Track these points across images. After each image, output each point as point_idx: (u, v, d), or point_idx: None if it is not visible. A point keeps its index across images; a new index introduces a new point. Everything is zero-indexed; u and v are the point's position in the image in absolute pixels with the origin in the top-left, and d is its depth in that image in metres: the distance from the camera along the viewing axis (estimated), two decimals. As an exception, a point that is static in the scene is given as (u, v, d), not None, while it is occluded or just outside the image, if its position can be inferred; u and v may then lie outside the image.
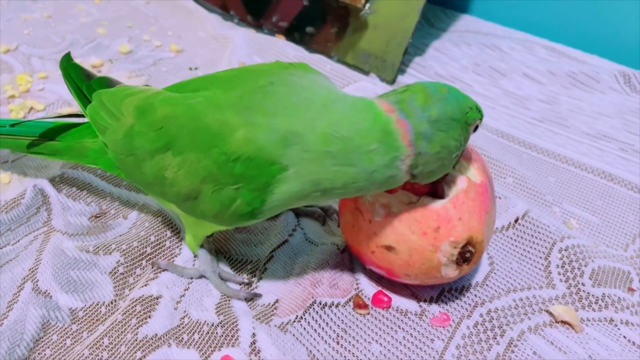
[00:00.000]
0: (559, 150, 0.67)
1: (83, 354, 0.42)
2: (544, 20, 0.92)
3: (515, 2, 0.94)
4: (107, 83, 0.50)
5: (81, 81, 0.51)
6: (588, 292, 0.48)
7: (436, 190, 0.44)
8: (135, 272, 0.49)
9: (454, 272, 0.42)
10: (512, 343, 0.45)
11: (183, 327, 0.45)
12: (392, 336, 0.45)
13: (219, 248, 0.52)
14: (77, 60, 0.55)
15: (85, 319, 0.46)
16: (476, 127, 0.41)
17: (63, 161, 0.59)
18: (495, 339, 0.45)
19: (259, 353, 0.43)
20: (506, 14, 0.95)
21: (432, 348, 0.44)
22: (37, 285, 0.47)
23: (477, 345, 0.44)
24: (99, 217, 0.55)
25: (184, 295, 0.48)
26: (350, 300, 0.47)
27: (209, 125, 0.39)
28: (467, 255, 0.42)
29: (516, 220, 0.55)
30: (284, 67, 0.43)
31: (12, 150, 0.56)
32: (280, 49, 0.83)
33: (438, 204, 0.42)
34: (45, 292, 0.47)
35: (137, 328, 0.44)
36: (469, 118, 0.39)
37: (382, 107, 0.38)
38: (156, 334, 0.43)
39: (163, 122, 0.41)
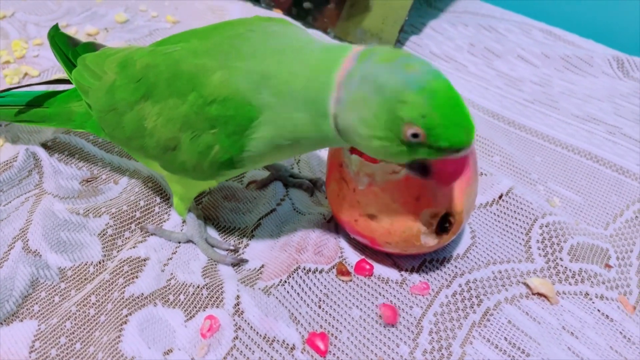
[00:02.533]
0: (547, 131, 0.68)
1: (70, 311, 0.44)
2: (541, 4, 0.92)
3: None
4: (93, 48, 0.51)
5: (67, 48, 0.52)
6: (565, 267, 0.50)
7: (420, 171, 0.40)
8: (123, 235, 0.50)
9: (433, 241, 0.44)
10: (488, 312, 0.46)
11: (169, 288, 0.46)
12: (372, 302, 0.46)
13: (207, 215, 0.53)
14: (72, 28, 0.56)
15: (74, 278, 0.47)
16: (417, 138, 0.33)
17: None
18: (472, 308, 0.46)
19: (242, 314, 0.44)
20: (504, -4, 0.95)
21: (410, 314, 0.46)
22: (27, 244, 0.48)
23: (454, 314, 0.46)
24: (90, 181, 0.56)
25: (171, 259, 0.49)
26: (333, 268, 0.49)
27: (186, 71, 0.39)
28: (446, 225, 0.43)
29: (500, 197, 0.56)
30: (264, 19, 0.42)
31: (1, 119, 0.56)
32: (276, 24, 0.83)
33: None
34: (35, 252, 0.48)
35: (124, 287, 0.45)
36: (398, 108, 0.32)
37: (349, 53, 0.35)
38: (142, 294, 0.45)
39: (142, 72, 0.42)
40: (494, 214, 0.55)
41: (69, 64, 0.51)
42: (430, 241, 0.43)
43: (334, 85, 0.34)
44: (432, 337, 0.44)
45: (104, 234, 0.50)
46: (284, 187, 0.56)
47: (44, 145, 0.58)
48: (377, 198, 0.43)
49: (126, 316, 0.43)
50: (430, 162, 0.36)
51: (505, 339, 0.44)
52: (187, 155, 0.40)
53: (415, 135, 0.33)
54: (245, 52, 0.38)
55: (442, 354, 0.43)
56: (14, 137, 0.61)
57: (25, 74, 0.70)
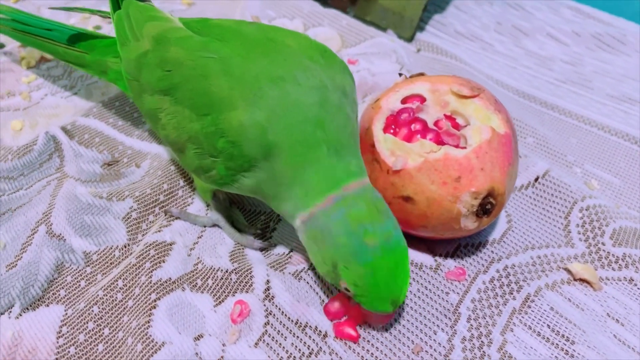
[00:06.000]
0: (581, 111, 0.65)
1: (97, 295, 0.42)
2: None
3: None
4: None
5: None
6: (608, 252, 0.47)
7: None
8: (148, 219, 0.49)
9: (473, 224, 0.42)
10: (528, 298, 0.44)
11: (197, 273, 0.44)
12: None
13: (232, 199, 0.52)
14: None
15: (100, 262, 0.45)
16: (349, 292, 0.37)
17: (75, 106, 0.59)
18: (512, 294, 0.44)
19: (272, 299, 0.43)
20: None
21: (446, 301, 0.44)
22: (50, 228, 0.47)
23: (492, 300, 0.44)
24: (111, 164, 0.55)
25: (197, 243, 0.47)
26: (364, 253, 0.47)
27: (212, 92, 0.37)
28: (487, 207, 0.41)
29: (536, 179, 0.54)
30: (310, 54, 0.39)
31: (49, 53, 0.58)
32: (294, 4, 0.81)
33: (460, 154, 0.40)
34: (59, 236, 0.46)
35: (151, 271, 0.44)
36: (340, 268, 0.36)
37: (336, 191, 0.37)
38: (170, 278, 0.43)
39: (172, 65, 0.40)
40: (530, 197, 0.53)
41: (115, 2, 0.49)
42: (469, 224, 0.41)
43: (307, 210, 0.37)
44: (471, 324, 0.42)
45: (128, 218, 0.48)
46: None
47: (64, 129, 0.57)
48: (413, 179, 0.41)
49: (155, 301, 0.41)
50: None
51: (548, 326, 0.42)
52: (190, 161, 0.41)
53: (347, 290, 0.37)
54: (273, 107, 0.36)
55: (482, 341, 0.41)
56: (33, 121, 0.60)
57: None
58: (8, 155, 0.53)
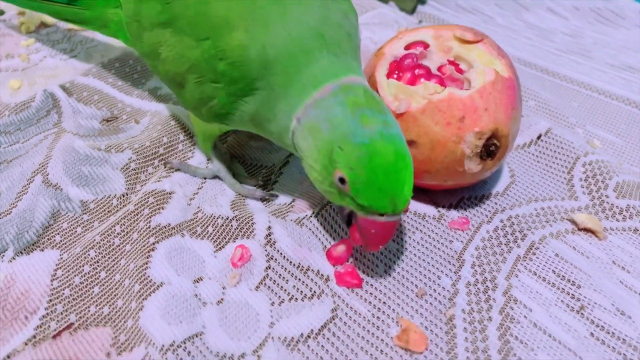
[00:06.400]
0: (582, 78, 0.65)
1: (94, 240, 0.42)
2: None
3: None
4: None
5: None
6: (612, 204, 0.47)
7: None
8: (147, 170, 0.48)
9: (477, 167, 0.41)
10: (533, 246, 0.43)
11: (196, 221, 0.44)
12: (409, 237, 0.44)
13: (233, 153, 0.51)
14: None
15: (97, 210, 0.45)
16: (344, 185, 0.33)
17: (75, 67, 0.58)
18: (516, 242, 0.44)
19: (274, 244, 0.42)
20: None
21: (450, 248, 0.43)
22: (47, 178, 0.46)
23: (497, 248, 0.43)
24: (110, 121, 0.54)
25: (197, 193, 0.47)
26: (366, 204, 0.46)
27: (211, 15, 0.36)
28: (491, 148, 0.40)
29: (539, 137, 0.53)
30: None
31: (48, 14, 0.58)
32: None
33: (464, 94, 0.40)
34: (55, 185, 0.46)
35: (150, 217, 0.43)
36: (335, 152, 0.33)
37: (333, 81, 0.35)
38: (169, 224, 0.43)
39: None
40: (533, 154, 0.52)
41: None
42: (474, 167, 0.41)
43: (302, 105, 0.35)
44: (475, 270, 0.41)
45: (126, 168, 0.47)
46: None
47: (62, 87, 0.56)
48: (417, 121, 0.41)
49: (153, 244, 0.41)
50: (356, 216, 0.36)
51: (553, 271, 0.42)
52: (190, 95, 0.40)
53: (342, 181, 0.33)
54: (274, 24, 0.35)
55: (486, 285, 0.40)
56: (31, 81, 0.59)
57: None
58: (5, 111, 0.53)
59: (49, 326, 0.37)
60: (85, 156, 0.48)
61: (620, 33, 0.75)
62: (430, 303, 0.39)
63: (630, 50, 0.71)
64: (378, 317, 0.38)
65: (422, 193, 0.47)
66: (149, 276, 0.38)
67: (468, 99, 0.40)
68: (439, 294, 0.40)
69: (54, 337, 0.36)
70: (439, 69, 0.43)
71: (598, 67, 0.67)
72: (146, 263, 0.39)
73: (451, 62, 0.43)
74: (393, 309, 0.39)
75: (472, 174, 0.42)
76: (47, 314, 0.37)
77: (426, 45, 0.44)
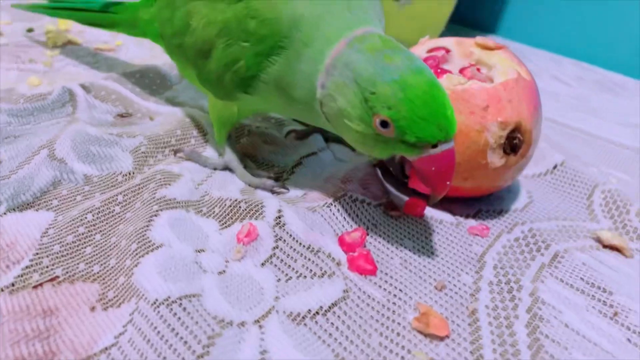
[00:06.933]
0: (592, 131, 0.66)
1: (94, 205, 0.39)
2: (571, 41, 0.95)
3: (542, 23, 0.97)
4: None
5: None
6: (636, 227, 0.45)
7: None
8: (156, 156, 0.47)
9: (500, 161, 0.40)
10: (557, 255, 0.41)
11: (203, 203, 0.41)
12: (426, 237, 0.41)
13: (246, 153, 0.50)
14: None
15: (100, 184, 0.42)
16: (387, 128, 0.32)
17: (96, 75, 0.61)
18: (539, 251, 0.41)
19: (284, 226, 0.39)
20: (533, 35, 0.99)
21: (470, 251, 0.40)
22: (53, 153, 0.44)
23: (519, 255, 0.41)
24: (124, 116, 0.53)
25: (205, 180, 0.45)
26: (380, 205, 0.44)
27: None
28: (515, 141, 0.40)
29: (554, 167, 0.53)
30: None
31: (77, 21, 0.61)
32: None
33: (488, 85, 0.40)
34: (60, 159, 0.44)
35: (156, 190, 0.40)
36: (369, 98, 0.32)
37: (347, 34, 0.35)
38: (175, 198, 0.40)
39: None
40: (550, 182, 0.51)
41: None
42: (497, 160, 0.40)
43: (322, 67, 0.35)
44: (498, 272, 0.38)
45: (136, 151, 0.46)
46: (324, 141, 0.53)
47: (82, 86, 0.57)
48: (440, 112, 0.40)
49: (157, 211, 0.38)
50: (410, 164, 0.35)
51: (582, 279, 0.39)
52: (215, 64, 0.40)
53: (384, 125, 0.32)
54: None
55: (510, 286, 0.37)
56: (51, 80, 0.60)
57: None
58: (20, 100, 0.52)
59: (31, 277, 0.33)
60: (95, 137, 0.47)
61: (624, 100, 0.77)
62: (451, 297, 0.36)
63: (636, 115, 0.73)
64: (394, 303, 0.35)
65: (438, 202, 0.45)
66: (148, 237, 0.35)
67: (492, 90, 0.40)
68: (459, 289, 0.37)
69: (35, 287, 0.32)
70: (461, 71, 0.44)
71: (606, 124, 0.69)
72: (147, 226, 0.36)
73: (472, 66, 0.44)
74: (410, 297, 0.35)
75: (493, 171, 0.41)
76: (31, 265, 0.34)
77: (448, 50, 0.45)
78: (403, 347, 0.31)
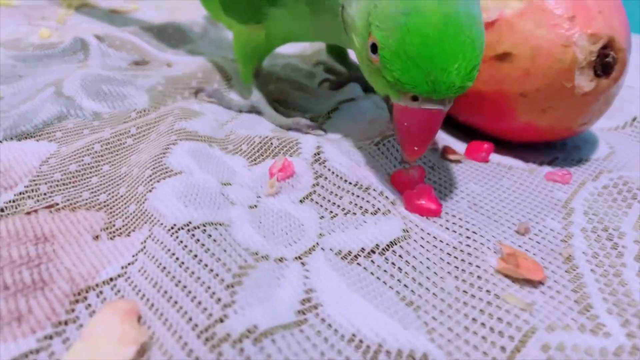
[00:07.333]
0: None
1: (103, 137, 0.33)
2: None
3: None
4: None
5: None
6: None
7: None
8: (175, 98, 0.41)
9: (590, 84, 0.33)
10: (660, 203, 0.33)
11: (228, 141, 0.35)
12: (495, 182, 0.34)
13: (276, 98, 0.44)
14: None
15: (111, 120, 0.37)
16: (375, 55, 0.26)
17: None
18: (635, 198, 0.33)
19: (324, 162, 0.32)
20: None
21: (551, 197, 0.33)
22: (60, 90, 0.39)
23: (611, 202, 0.33)
24: (139, 64, 0.48)
25: (230, 121, 0.39)
26: (436, 150, 0.37)
27: None
28: (608, 59, 0.32)
29: (634, 119, 0.45)
30: None
31: None
32: None
33: (572, -5, 0.33)
34: (68, 97, 0.38)
35: (174, 123, 0.34)
36: (372, 12, 0.26)
37: None
38: (196, 131, 0.34)
39: None
40: (630, 135, 0.44)
41: None
42: (585, 83, 0.33)
43: None
44: (590, 218, 0.31)
45: (153, 90, 0.40)
46: (363, 91, 0.46)
47: (96, 36, 0.51)
48: (513, 28, 0.34)
49: (175, 140, 0.32)
50: (393, 105, 0.27)
51: (697, 226, 0.31)
52: None
53: (374, 49, 0.25)
54: None
55: (610, 233, 0.30)
56: (63, 33, 0.55)
57: None
58: (29, 48, 0.47)
59: (25, 203, 0.27)
60: (107, 77, 0.41)
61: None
62: (537, 242, 0.29)
63: None
64: (468, 245, 0.28)
65: (505, 147, 0.38)
66: (165, 164, 0.29)
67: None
68: (546, 234, 0.29)
69: (28, 213, 0.26)
70: None
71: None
72: (164, 153, 0.30)
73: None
74: (488, 239, 0.28)
75: (580, 100, 0.33)
76: (26, 191, 0.28)
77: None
78: (488, 292, 0.24)
